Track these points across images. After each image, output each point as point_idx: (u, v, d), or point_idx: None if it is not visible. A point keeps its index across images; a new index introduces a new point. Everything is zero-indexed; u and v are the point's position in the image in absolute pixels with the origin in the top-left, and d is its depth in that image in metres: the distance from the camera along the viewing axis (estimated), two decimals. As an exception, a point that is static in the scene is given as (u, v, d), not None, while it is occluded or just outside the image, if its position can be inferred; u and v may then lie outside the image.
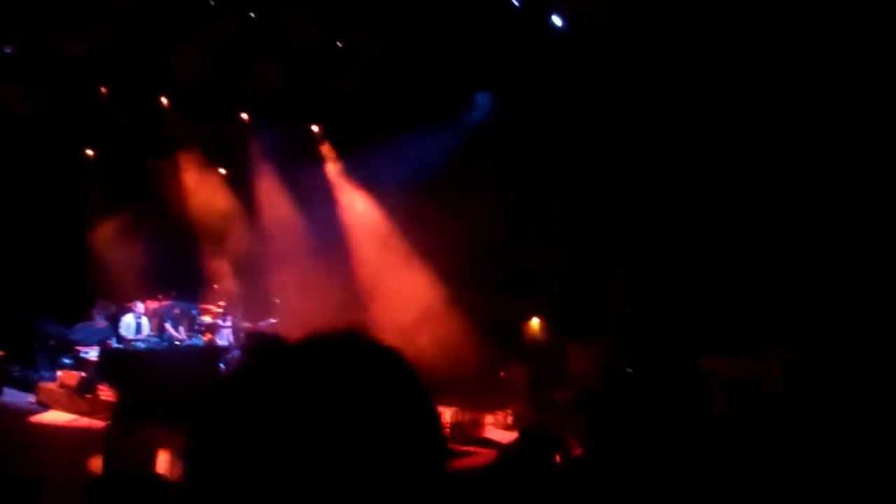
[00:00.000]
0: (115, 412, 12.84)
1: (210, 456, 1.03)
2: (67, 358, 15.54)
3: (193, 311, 17.02)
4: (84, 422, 13.42)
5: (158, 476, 7.30)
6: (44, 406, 14.52)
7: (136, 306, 15.58)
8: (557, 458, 5.42)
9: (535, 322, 17.13)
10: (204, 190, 18.23)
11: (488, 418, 15.01)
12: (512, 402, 15.38)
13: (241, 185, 18.24)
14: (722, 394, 7.77)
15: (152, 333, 15.80)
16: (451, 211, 15.40)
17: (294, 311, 16.75)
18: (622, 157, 15.93)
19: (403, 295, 16.73)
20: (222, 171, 18.72)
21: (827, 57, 13.00)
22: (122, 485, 5.90)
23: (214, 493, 1.02)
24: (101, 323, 15.96)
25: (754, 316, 14.07)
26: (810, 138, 13.88)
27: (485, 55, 15.10)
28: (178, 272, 17.51)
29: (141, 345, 15.19)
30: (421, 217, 16.14)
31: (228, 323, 16.52)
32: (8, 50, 14.25)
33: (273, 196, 18.13)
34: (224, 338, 16.26)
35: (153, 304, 16.53)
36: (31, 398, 14.81)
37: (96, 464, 9.34)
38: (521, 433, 5.27)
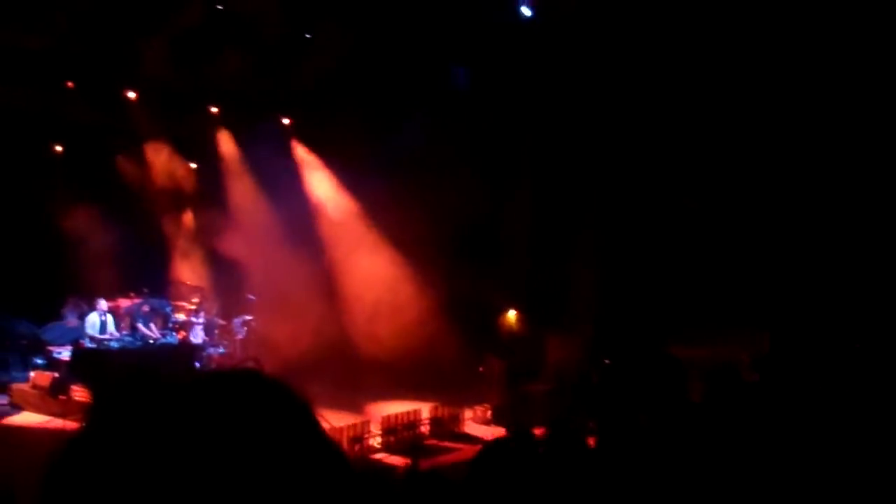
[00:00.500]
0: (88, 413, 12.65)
1: None
2: (40, 358, 15.34)
3: (167, 309, 16.86)
4: (58, 423, 13.23)
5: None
6: (16, 408, 14.34)
7: (99, 304, 15.36)
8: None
9: (511, 314, 17.13)
10: (173, 184, 18.04)
11: (467, 413, 15.01)
12: (490, 395, 15.40)
13: (211, 177, 18.06)
14: (698, 382, 7.79)
15: (125, 332, 15.61)
16: (422, 200, 15.38)
17: (267, 305, 16.67)
18: (590, 147, 15.98)
19: (376, 285, 16.72)
20: (192, 165, 18.53)
21: (793, 39, 13.10)
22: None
23: None
24: (72, 322, 15.76)
25: (723, 303, 14.17)
26: (776, 123, 13.99)
27: (455, 39, 15.06)
28: (150, 269, 17.34)
29: (114, 344, 15.01)
30: (393, 207, 16.08)
31: (202, 320, 16.37)
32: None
33: (243, 188, 17.98)
34: (198, 335, 16.12)
35: (125, 303, 16.35)
36: (4, 399, 14.62)
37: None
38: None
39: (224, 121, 17.70)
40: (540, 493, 4.40)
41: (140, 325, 15.85)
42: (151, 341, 15.60)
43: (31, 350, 15.67)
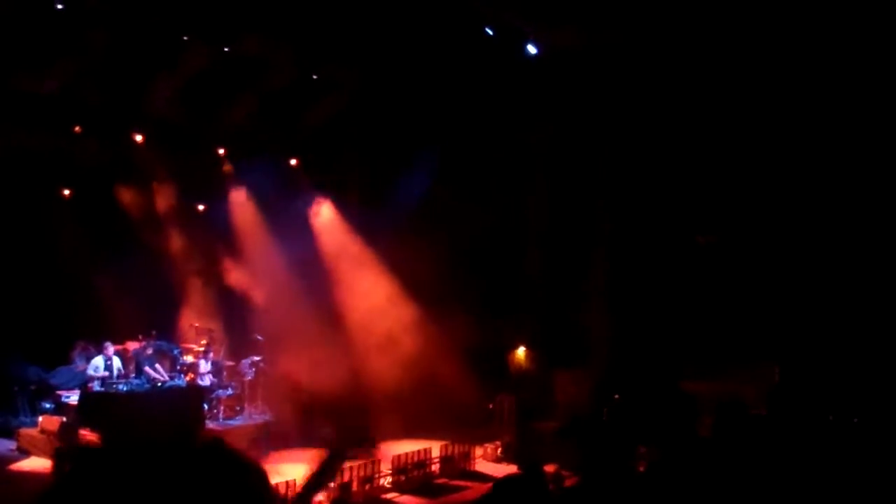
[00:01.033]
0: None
1: None
2: (48, 402, 15.28)
3: (175, 351, 16.81)
4: (65, 468, 13.11)
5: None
6: (24, 452, 14.26)
7: (106, 348, 15.34)
8: (552, 488, 5.33)
9: (520, 351, 17.02)
10: (182, 226, 18.09)
11: (478, 451, 14.87)
12: (501, 433, 15.26)
13: (219, 218, 18.08)
14: (707, 417, 7.70)
15: (133, 375, 15.57)
16: (431, 238, 15.39)
17: (276, 346, 16.60)
18: (601, 183, 16.03)
19: (385, 324, 16.65)
20: (200, 206, 18.59)
21: (802, 83, 13.16)
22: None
23: None
24: (81, 366, 15.72)
25: (733, 338, 14.08)
26: (784, 163, 14.01)
27: (460, 81, 15.15)
28: (159, 311, 17.32)
29: (122, 387, 14.95)
30: (401, 245, 16.07)
31: (210, 362, 16.29)
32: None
33: (251, 229, 17.99)
34: (206, 378, 16.04)
35: (133, 345, 16.33)
36: (12, 445, 14.55)
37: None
38: (528, 466, 5.15)
39: (231, 161, 17.77)
40: None
41: (147, 368, 15.79)
42: (159, 384, 15.54)
43: (39, 394, 15.62)
